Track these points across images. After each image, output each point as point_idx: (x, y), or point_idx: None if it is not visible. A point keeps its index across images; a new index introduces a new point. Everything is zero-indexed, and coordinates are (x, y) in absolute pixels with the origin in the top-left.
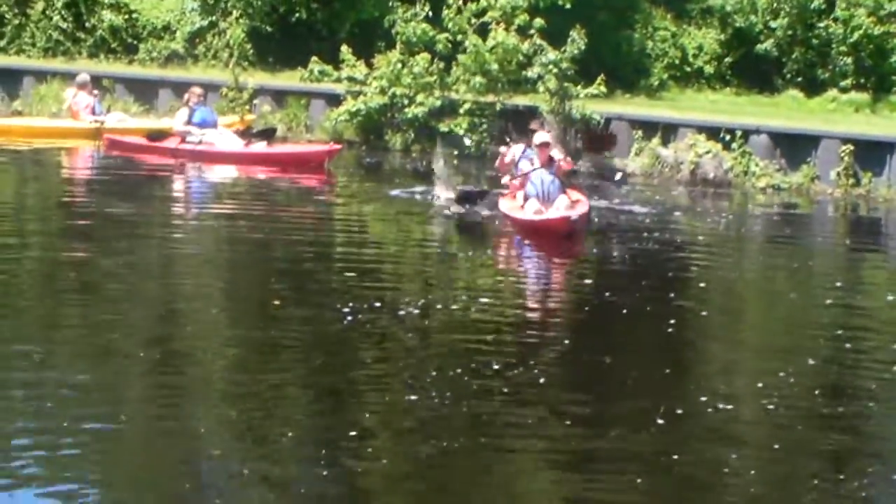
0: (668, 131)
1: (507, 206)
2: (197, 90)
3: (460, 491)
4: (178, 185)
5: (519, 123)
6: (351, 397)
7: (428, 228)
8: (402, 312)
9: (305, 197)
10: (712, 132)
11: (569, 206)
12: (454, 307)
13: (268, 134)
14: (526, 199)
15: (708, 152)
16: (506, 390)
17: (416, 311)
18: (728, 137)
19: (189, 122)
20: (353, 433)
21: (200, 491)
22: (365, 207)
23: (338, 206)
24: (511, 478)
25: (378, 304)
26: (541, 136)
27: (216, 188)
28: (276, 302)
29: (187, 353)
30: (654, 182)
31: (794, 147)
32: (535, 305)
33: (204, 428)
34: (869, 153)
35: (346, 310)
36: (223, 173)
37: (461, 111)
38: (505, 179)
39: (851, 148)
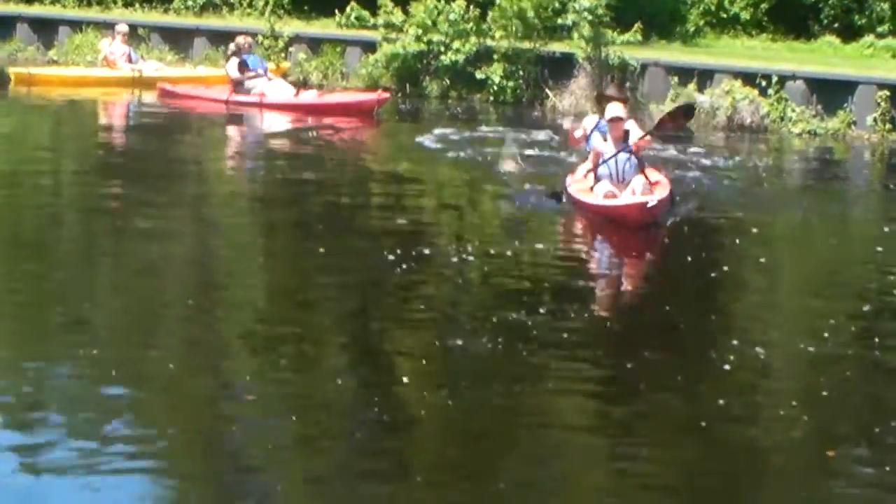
0: (704, 77)
1: (575, 186)
2: (246, 39)
3: (500, 443)
4: (228, 134)
5: (554, 70)
6: (393, 346)
7: (479, 181)
8: (448, 262)
9: (356, 145)
10: (748, 78)
11: (646, 188)
12: (500, 258)
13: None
14: (598, 180)
15: (744, 98)
16: (550, 342)
17: (463, 262)
18: (764, 83)
19: (243, 71)
20: (391, 384)
21: (237, 446)
22: (412, 156)
23: (386, 155)
24: (552, 435)
25: (425, 253)
26: (614, 109)
27: (266, 137)
28: (321, 250)
29: (230, 301)
30: (691, 128)
31: (831, 93)
32: (585, 260)
33: (243, 379)
34: None
35: (392, 258)
36: (274, 122)
37: (496, 57)
38: (579, 174)
39: (888, 94)
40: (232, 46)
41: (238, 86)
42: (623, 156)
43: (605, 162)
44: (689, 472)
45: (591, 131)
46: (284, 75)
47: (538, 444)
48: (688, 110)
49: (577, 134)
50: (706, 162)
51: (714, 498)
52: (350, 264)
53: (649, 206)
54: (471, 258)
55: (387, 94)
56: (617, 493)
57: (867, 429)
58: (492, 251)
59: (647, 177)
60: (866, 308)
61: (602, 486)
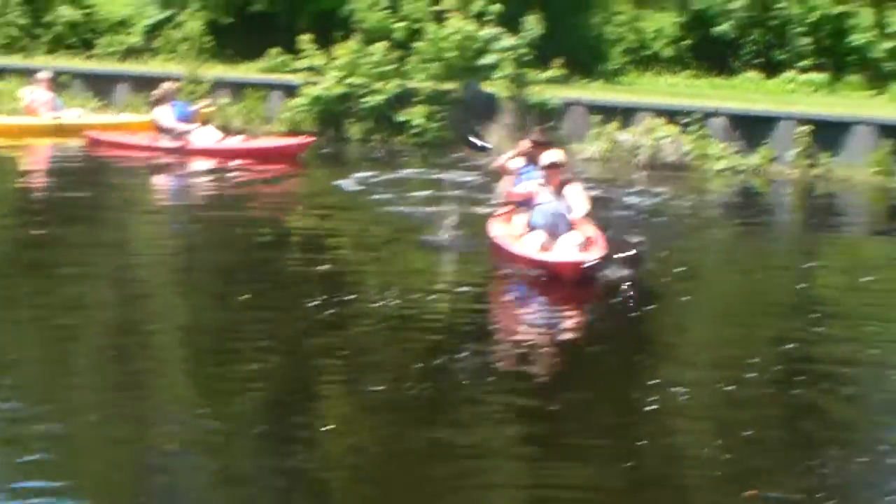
0: (626, 115)
1: (500, 231)
2: (173, 85)
3: (421, 482)
4: (154, 180)
5: (476, 111)
6: (315, 391)
7: (400, 225)
8: (370, 307)
9: (279, 190)
10: (670, 115)
11: (582, 245)
12: (422, 302)
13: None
14: (530, 228)
15: (666, 136)
16: (473, 385)
17: (385, 306)
18: (686, 120)
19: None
20: (315, 424)
21: (159, 485)
22: (334, 200)
23: (308, 199)
24: (475, 470)
25: (348, 297)
26: (553, 155)
27: (191, 182)
28: (244, 296)
29: (150, 344)
30: (613, 166)
31: (752, 128)
32: (507, 303)
33: (164, 424)
34: (827, 133)
35: (315, 303)
36: (200, 167)
37: (418, 99)
38: (501, 189)
39: (809, 128)
40: (158, 92)
41: (164, 132)
42: (559, 206)
43: (540, 211)
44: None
45: (520, 175)
46: (206, 121)
47: (460, 485)
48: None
49: (503, 160)
50: (629, 201)
51: None
52: (273, 309)
53: (586, 265)
54: (393, 302)
55: (310, 139)
56: None
57: (788, 467)
58: (414, 295)
59: (582, 233)
60: (788, 346)
61: None
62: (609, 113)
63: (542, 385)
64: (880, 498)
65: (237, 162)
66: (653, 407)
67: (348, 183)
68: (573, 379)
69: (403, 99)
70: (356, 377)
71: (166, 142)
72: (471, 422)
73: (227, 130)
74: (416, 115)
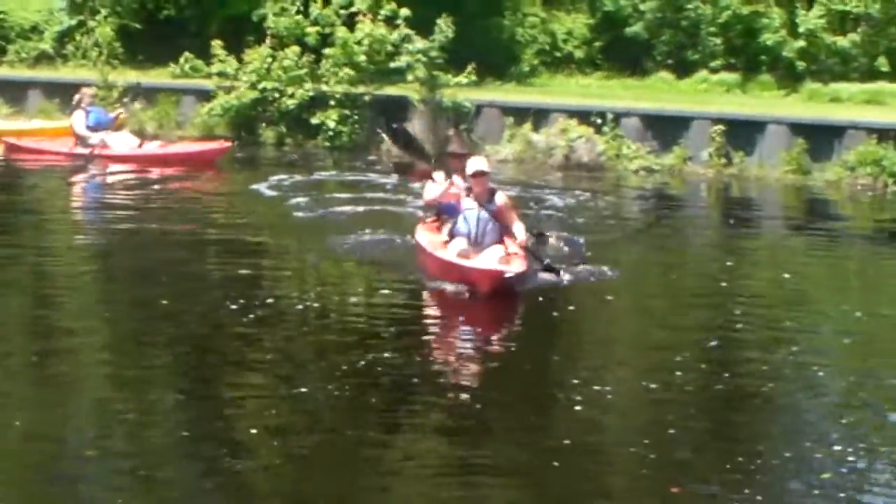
0: (539, 117)
1: (426, 238)
2: (89, 91)
3: (336, 487)
4: (71, 186)
5: (390, 114)
6: (237, 393)
7: (317, 228)
8: (291, 310)
9: (195, 195)
10: (584, 116)
11: (503, 258)
12: (342, 305)
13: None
14: (452, 236)
15: (580, 137)
16: (396, 386)
17: (306, 309)
18: (599, 121)
19: (84, 124)
20: (238, 427)
21: (78, 492)
22: (250, 204)
23: (226, 202)
24: (399, 471)
25: (268, 301)
26: (477, 163)
27: (109, 188)
28: (164, 301)
29: (66, 348)
30: (527, 168)
31: (666, 129)
32: (428, 305)
33: (84, 432)
34: (740, 133)
35: (234, 306)
36: (118, 174)
37: (331, 103)
38: (428, 195)
39: (723, 128)
40: (76, 98)
41: (80, 138)
42: (485, 216)
43: (465, 219)
44: None
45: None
46: (120, 126)
47: (385, 486)
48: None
49: (436, 193)
50: (546, 201)
51: None
52: (192, 313)
53: (506, 276)
54: (313, 305)
55: (228, 144)
56: None
57: (713, 462)
58: (334, 297)
59: (505, 245)
60: (711, 343)
61: None
62: (522, 115)
63: (465, 386)
64: (804, 489)
65: (155, 167)
66: (577, 406)
67: (264, 187)
68: (495, 380)
69: (317, 103)
70: (278, 380)
71: (82, 148)
72: (394, 423)
73: (141, 135)
74: (329, 118)
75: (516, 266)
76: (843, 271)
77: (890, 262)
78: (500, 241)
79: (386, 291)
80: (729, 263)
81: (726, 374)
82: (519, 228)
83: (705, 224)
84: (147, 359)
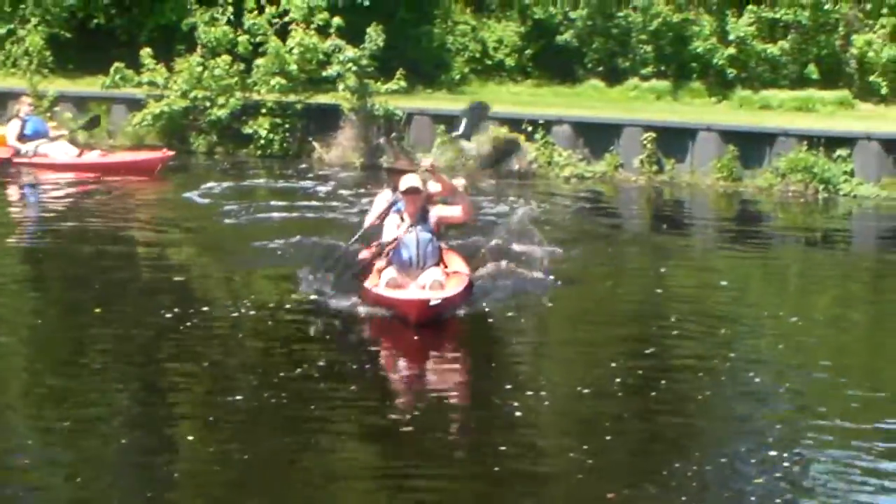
0: None
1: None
2: (27, 100)
3: (272, 496)
4: (9, 195)
5: (321, 122)
6: (173, 402)
7: (249, 235)
8: (224, 318)
9: (129, 204)
10: (515, 124)
11: (436, 283)
12: (276, 312)
13: (92, 124)
14: (388, 263)
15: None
16: (330, 395)
17: (239, 317)
18: (530, 129)
19: (21, 134)
20: (174, 435)
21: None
22: (184, 212)
23: (158, 211)
24: (333, 477)
25: (202, 309)
26: (409, 180)
27: (47, 199)
28: (97, 309)
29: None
30: (458, 175)
31: (597, 136)
32: (364, 313)
33: (16, 442)
34: (671, 140)
35: (168, 315)
36: (57, 183)
37: (263, 112)
38: (364, 254)
39: (654, 135)
40: (15, 108)
41: (13, 147)
42: (424, 235)
43: (404, 244)
44: None
45: (387, 210)
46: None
47: (320, 495)
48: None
49: (373, 216)
50: (481, 208)
51: None
52: (125, 321)
53: (431, 304)
54: (246, 313)
55: (171, 153)
56: None
57: (648, 467)
58: (268, 305)
59: (445, 264)
60: (647, 349)
61: None
62: (453, 122)
63: (400, 394)
64: (740, 494)
65: (94, 176)
66: (512, 412)
67: (196, 195)
68: (431, 385)
69: (248, 111)
70: (212, 387)
71: (23, 158)
72: (328, 430)
73: (75, 144)
74: (261, 127)
75: (450, 289)
76: (776, 276)
77: (822, 266)
78: (440, 262)
79: (315, 298)
80: (663, 270)
81: (662, 381)
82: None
83: (638, 231)
84: (78, 366)
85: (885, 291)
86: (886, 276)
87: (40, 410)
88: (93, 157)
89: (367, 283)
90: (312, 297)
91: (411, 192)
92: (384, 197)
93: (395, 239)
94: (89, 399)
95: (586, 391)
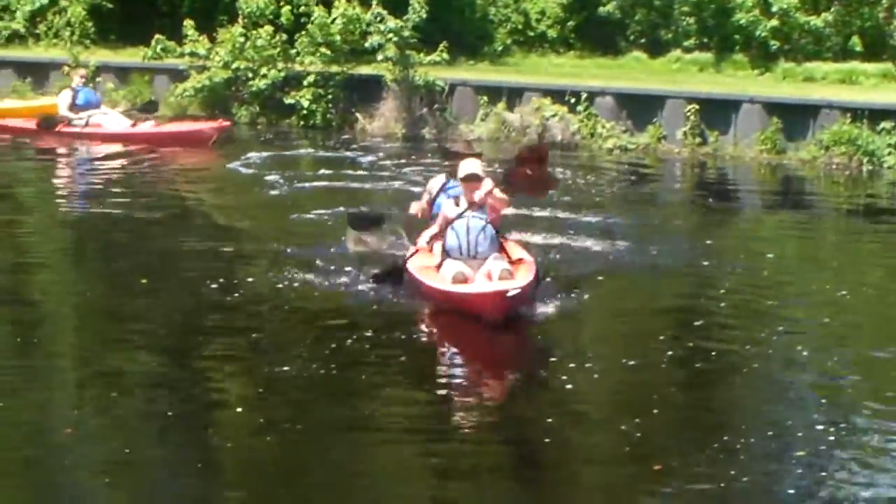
0: (513, 96)
1: (417, 263)
2: (80, 71)
3: (327, 462)
4: (59, 166)
5: (363, 93)
6: (220, 368)
7: (294, 206)
8: (271, 287)
9: (184, 174)
10: (557, 95)
11: (505, 272)
12: (322, 285)
13: (150, 108)
14: (445, 255)
15: (554, 115)
16: (373, 360)
17: (286, 288)
18: (573, 100)
19: (73, 104)
20: (221, 403)
21: (52, 471)
22: (229, 182)
23: (203, 181)
24: (379, 449)
25: (248, 280)
26: (469, 166)
27: (98, 169)
28: (143, 280)
29: (45, 322)
30: (502, 146)
31: (640, 108)
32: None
33: (61, 410)
34: (714, 112)
35: (215, 285)
36: (109, 153)
37: (305, 83)
38: (422, 242)
39: (696, 107)
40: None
41: (66, 117)
42: (476, 223)
43: (453, 230)
44: (516, 488)
45: (438, 193)
46: (132, 106)
47: (365, 465)
48: (538, 150)
49: (415, 208)
50: None
51: None
52: (173, 293)
53: (509, 294)
54: (294, 284)
55: (227, 123)
56: None
57: (697, 442)
58: (314, 275)
59: (507, 253)
60: (695, 321)
61: None
62: (496, 94)
63: (448, 362)
64: (786, 465)
65: (146, 147)
66: (561, 385)
67: (240, 166)
68: (479, 354)
69: (290, 82)
70: (259, 359)
71: (69, 126)
72: (378, 398)
73: (128, 115)
74: (303, 98)
75: (521, 278)
76: (822, 248)
77: (868, 238)
78: (500, 250)
79: (370, 266)
80: (709, 241)
81: (711, 353)
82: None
83: (683, 202)
84: (124, 336)
85: None
86: None
87: (86, 381)
88: (147, 127)
89: (427, 279)
90: (363, 266)
91: (471, 179)
92: (437, 182)
93: (449, 220)
94: (134, 370)
95: (633, 363)
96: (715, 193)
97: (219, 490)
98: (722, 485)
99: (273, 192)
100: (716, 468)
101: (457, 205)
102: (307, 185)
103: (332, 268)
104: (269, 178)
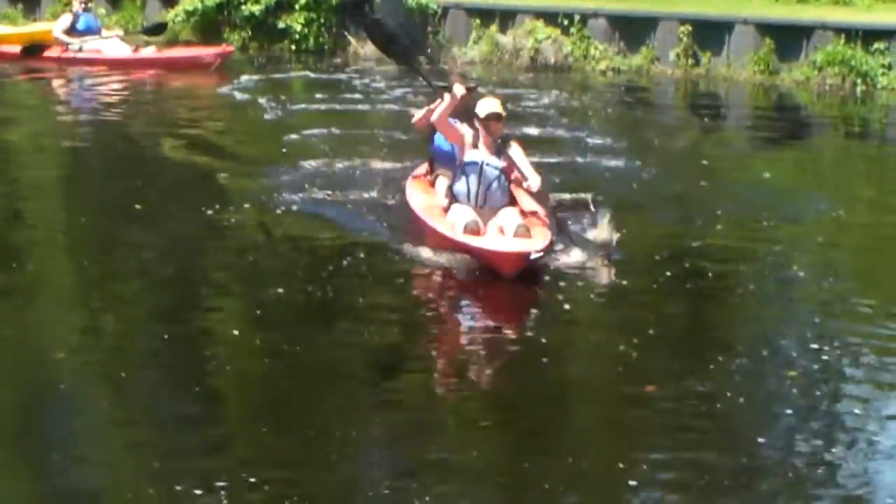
0: (505, 18)
1: (420, 199)
2: None
3: (319, 382)
4: (56, 92)
5: (355, 17)
6: (212, 294)
7: (290, 128)
8: (266, 214)
9: (180, 100)
10: (550, 18)
11: (521, 228)
12: (320, 210)
13: (158, 30)
14: (452, 199)
15: (547, 37)
16: (369, 282)
17: (286, 213)
18: (566, 22)
19: (72, 28)
20: (214, 328)
21: (46, 393)
22: (223, 106)
23: (196, 106)
24: (372, 381)
25: (245, 206)
26: (490, 105)
27: (93, 95)
28: (138, 206)
29: (35, 249)
30: (495, 69)
31: (633, 29)
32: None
33: (51, 328)
34: (707, 33)
35: (210, 212)
36: (110, 79)
37: (297, 7)
38: (418, 115)
39: (689, 28)
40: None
41: (65, 42)
42: (491, 171)
43: (465, 174)
44: (512, 402)
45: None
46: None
47: (364, 387)
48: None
49: (419, 115)
50: (521, 100)
51: (543, 431)
52: (167, 218)
53: (532, 257)
54: (292, 208)
55: (231, 48)
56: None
57: (692, 363)
58: (309, 201)
59: (519, 205)
60: (692, 243)
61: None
62: (488, 16)
63: (433, 295)
64: (780, 386)
65: (147, 73)
66: (554, 307)
67: (233, 90)
68: (469, 296)
69: (282, 6)
70: (255, 282)
71: (66, 52)
72: (375, 321)
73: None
74: (295, 21)
75: (539, 239)
76: (817, 168)
77: (863, 159)
78: (511, 203)
79: (367, 195)
80: (705, 162)
81: (708, 274)
82: (531, 174)
83: (677, 122)
84: (117, 261)
85: None
86: None
87: (78, 305)
88: (149, 52)
89: (436, 224)
90: (361, 194)
91: (493, 118)
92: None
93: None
94: (129, 294)
95: (627, 283)
96: (709, 114)
97: (213, 409)
98: (718, 405)
99: (268, 117)
100: (709, 389)
101: (474, 145)
102: (301, 106)
103: (327, 193)
104: (262, 101)
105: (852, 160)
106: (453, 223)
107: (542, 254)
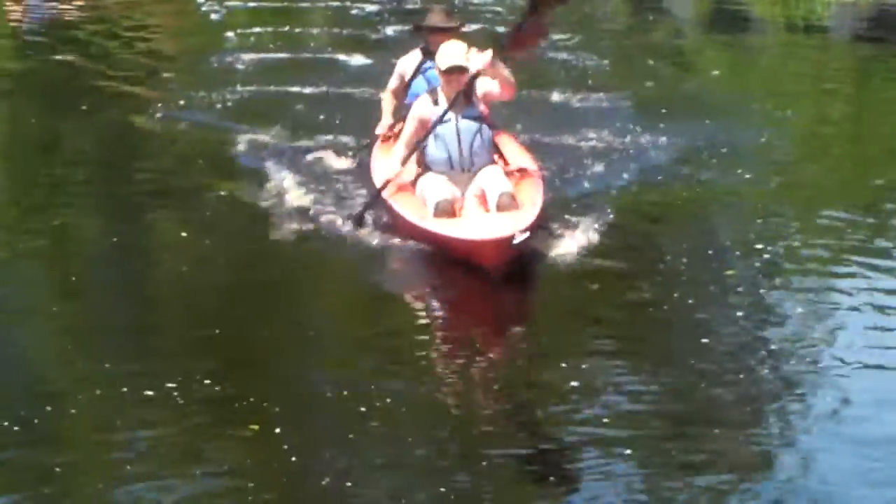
0: None
1: (384, 170)
2: None
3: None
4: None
5: None
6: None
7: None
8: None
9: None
10: None
11: (505, 196)
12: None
13: None
14: (424, 168)
15: None
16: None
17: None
18: None
19: None
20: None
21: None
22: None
23: (179, 28)
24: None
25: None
26: (449, 54)
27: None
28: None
29: None
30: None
31: None
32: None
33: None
34: None
35: (159, 115)
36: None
37: None
38: (380, 129)
39: None
40: None
41: None
42: (468, 125)
43: (438, 137)
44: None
45: (413, 77)
46: None
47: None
48: None
49: (393, 85)
50: None
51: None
52: (106, 126)
53: (516, 241)
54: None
55: None
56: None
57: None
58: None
59: (504, 158)
60: (637, 164)
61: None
62: None
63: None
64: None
65: None
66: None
67: (209, 7)
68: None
69: None
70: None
71: None
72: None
73: None
74: None
75: (530, 208)
76: (762, 68)
77: (804, 56)
78: (495, 158)
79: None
80: (651, 62)
81: (659, 191)
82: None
83: (620, 26)
84: (71, 194)
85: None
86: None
87: (44, 252)
88: None
89: (404, 211)
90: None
91: (454, 70)
92: (411, 62)
93: (427, 120)
94: (81, 233)
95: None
96: (652, 12)
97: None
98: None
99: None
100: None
101: (434, 102)
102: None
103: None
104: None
105: (795, 58)
106: (424, 200)
107: (528, 233)
